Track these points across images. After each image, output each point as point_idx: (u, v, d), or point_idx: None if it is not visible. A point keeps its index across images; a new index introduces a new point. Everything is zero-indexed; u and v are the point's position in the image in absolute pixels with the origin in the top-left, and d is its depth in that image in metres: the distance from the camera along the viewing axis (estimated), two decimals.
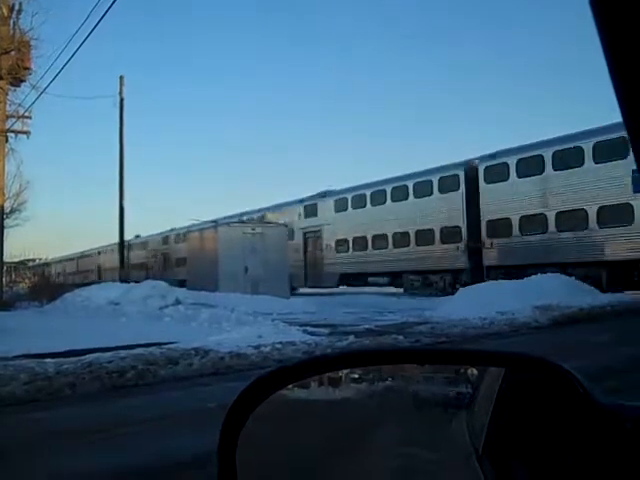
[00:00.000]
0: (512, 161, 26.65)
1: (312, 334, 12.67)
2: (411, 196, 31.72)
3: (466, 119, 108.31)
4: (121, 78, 27.63)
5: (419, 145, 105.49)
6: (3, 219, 24.71)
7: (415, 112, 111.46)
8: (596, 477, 0.92)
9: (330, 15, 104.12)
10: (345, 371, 1.24)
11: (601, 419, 0.94)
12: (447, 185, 29.73)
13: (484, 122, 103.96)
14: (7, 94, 24.04)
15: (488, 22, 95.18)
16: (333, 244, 36.89)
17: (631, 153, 0.77)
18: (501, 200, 26.98)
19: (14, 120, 24.82)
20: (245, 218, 42.46)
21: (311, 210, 38.74)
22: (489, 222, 27.86)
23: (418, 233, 31.19)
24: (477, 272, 27.31)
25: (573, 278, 21.42)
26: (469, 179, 28.66)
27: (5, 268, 29.21)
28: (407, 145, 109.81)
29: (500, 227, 27.23)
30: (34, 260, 45.79)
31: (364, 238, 34.57)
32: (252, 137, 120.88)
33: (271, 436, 1.16)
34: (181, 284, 30.86)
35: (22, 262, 43.38)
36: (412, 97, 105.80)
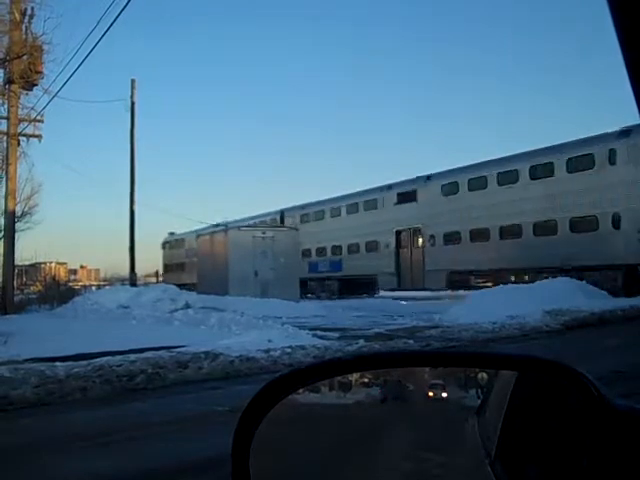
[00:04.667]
0: None
1: (322, 338, 12.65)
2: (560, 171, 25.17)
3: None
4: (132, 82, 27.72)
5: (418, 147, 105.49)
6: (14, 222, 24.81)
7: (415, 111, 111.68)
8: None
9: (343, 18, 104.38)
10: (356, 375, 1.23)
11: (615, 422, 0.94)
12: (622, 155, 22.88)
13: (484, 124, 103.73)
14: (19, 98, 24.17)
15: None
16: (440, 237, 30.27)
17: None
18: None
19: (26, 124, 24.94)
20: (309, 212, 39.37)
21: (407, 198, 32.34)
22: None
23: (573, 219, 24.44)
24: None
25: (584, 282, 21.18)
26: None
27: (16, 271, 29.32)
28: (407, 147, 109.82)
29: None
30: (45, 263, 45.63)
31: (485, 229, 27.79)
32: (252, 138, 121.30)
33: (283, 439, 1.15)
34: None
35: (33, 265, 43.49)
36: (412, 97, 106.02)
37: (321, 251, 38.36)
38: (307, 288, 36.81)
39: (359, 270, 34.74)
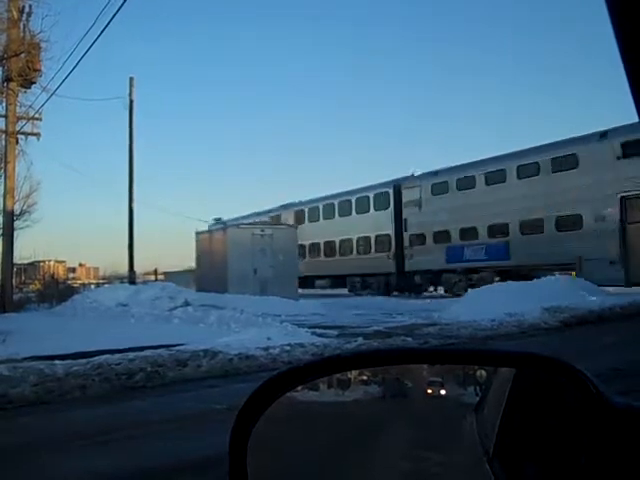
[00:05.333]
0: None
1: (321, 336, 12.67)
2: None
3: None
4: (131, 79, 27.63)
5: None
6: (13, 221, 24.78)
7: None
8: (609, 477, 0.91)
9: (346, 19, 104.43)
10: (354, 372, 1.23)
11: (613, 419, 0.94)
12: None
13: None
14: (17, 96, 24.13)
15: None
16: None
17: None
18: None
19: (24, 122, 24.92)
20: (447, 179, 29.35)
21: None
22: None
23: None
24: None
25: (582, 279, 21.16)
26: None
27: (15, 270, 29.29)
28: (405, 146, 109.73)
29: None
30: (44, 261, 45.40)
31: None
32: (252, 138, 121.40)
33: (281, 437, 1.15)
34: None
35: (32, 264, 43.43)
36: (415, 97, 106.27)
37: (470, 232, 28.18)
38: (440, 281, 29.92)
39: (542, 257, 24.54)
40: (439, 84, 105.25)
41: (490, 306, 15.83)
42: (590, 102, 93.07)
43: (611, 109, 77.23)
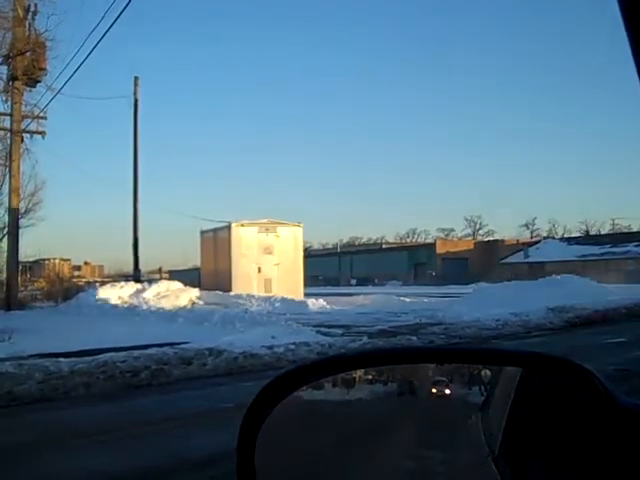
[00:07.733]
0: None
1: (326, 335, 12.66)
2: None
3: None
4: (135, 79, 27.67)
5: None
6: (18, 219, 24.83)
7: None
8: (617, 478, 0.91)
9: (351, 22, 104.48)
10: (360, 371, 1.23)
11: (622, 419, 0.93)
12: None
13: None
14: (22, 95, 24.17)
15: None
16: None
17: None
18: None
19: (29, 121, 24.94)
20: None
21: None
22: None
23: None
24: None
25: (588, 279, 21.19)
26: None
27: (20, 268, 29.34)
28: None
29: None
30: (49, 260, 45.19)
31: None
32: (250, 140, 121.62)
33: (288, 435, 1.15)
34: None
35: (37, 262, 43.46)
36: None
37: None
38: None
39: None
40: (439, 84, 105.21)
41: (494, 306, 15.82)
42: (590, 102, 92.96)
43: (611, 109, 77.17)
